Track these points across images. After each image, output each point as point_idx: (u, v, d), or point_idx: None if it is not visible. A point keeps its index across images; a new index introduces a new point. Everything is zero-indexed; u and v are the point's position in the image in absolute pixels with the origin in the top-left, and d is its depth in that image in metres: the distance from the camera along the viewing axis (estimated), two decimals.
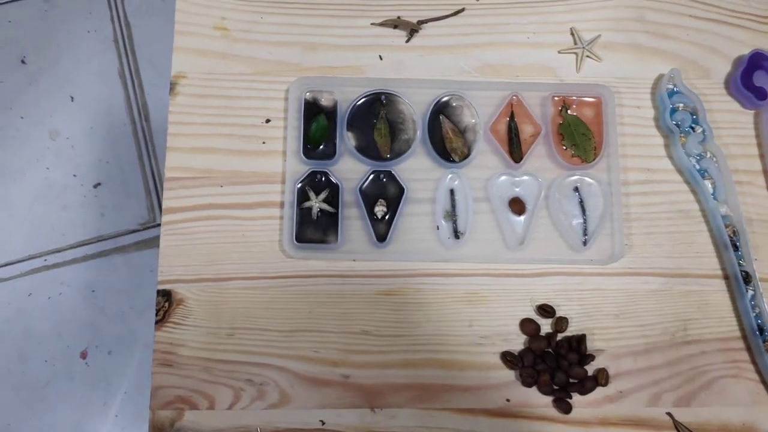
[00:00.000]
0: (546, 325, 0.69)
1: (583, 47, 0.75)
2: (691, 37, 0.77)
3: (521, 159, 0.72)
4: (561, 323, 0.68)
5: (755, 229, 0.72)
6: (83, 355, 1.29)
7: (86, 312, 1.31)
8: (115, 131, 1.39)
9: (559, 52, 0.76)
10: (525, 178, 0.71)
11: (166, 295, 0.68)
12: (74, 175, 1.36)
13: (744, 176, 0.73)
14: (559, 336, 0.68)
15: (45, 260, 1.32)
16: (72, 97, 1.41)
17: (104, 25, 1.45)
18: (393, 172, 0.70)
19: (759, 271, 0.70)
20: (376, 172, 0.70)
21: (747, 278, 0.69)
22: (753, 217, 0.72)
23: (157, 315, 0.68)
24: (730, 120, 0.75)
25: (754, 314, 0.68)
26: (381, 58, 0.75)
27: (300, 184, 0.70)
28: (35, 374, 1.28)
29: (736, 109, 0.76)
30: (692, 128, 0.73)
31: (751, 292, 0.69)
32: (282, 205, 0.70)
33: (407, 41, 0.76)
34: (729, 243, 0.70)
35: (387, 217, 0.70)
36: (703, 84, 0.76)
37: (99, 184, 1.36)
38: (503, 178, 0.72)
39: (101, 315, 1.31)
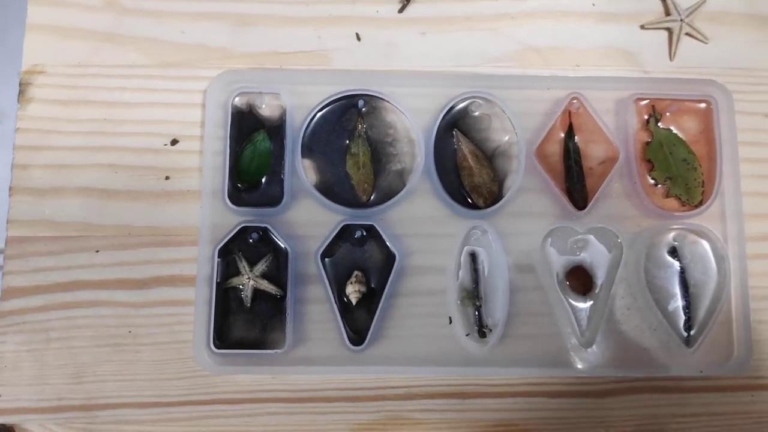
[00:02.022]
0: None
1: (681, 20, 0.48)
2: None
3: (587, 203, 0.45)
4: None
5: None
6: None
7: None
8: None
9: (642, 27, 0.48)
10: (592, 235, 0.44)
11: None
12: None
13: None
14: None
15: None
16: None
17: None
18: (377, 227, 0.43)
19: None
20: (350, 227, 0.44)
21: None
22: None
23: None
24: None
25: None
26: (358, 38, 0.47)
27: (223, 248, 0.43)
28: None
29: None
30: None
31: None
32: (195, 283, 0.44)
33: (401, 10, 0.48)
34: None
35: (366, 303, 0.43)
36: None
37: None
38: (558, 234, 0.45)
39: None
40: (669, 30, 0.48)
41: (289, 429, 0.42)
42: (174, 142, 0.45)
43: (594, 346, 0.43)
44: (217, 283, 0.42)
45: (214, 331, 0.41)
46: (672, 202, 0.45)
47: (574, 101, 0.45)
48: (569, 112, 0.45)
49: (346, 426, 0.42)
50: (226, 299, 0.42)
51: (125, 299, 0.43)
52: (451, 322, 0.43)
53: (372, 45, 0.47)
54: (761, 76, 0.48)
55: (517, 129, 0.45)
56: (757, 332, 0.44)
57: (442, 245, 0.44)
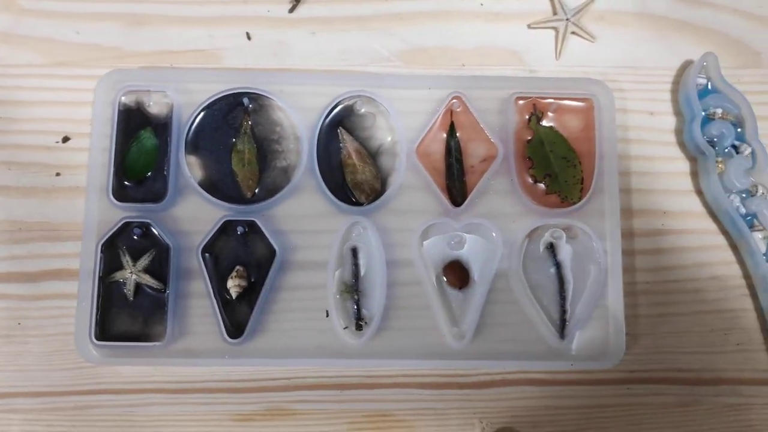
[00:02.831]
0: None
1: (567, 19, 0.49)
2: (737, 3, 0.51)
3: (465, 199, 0.46)
4: None
5: None
6: None
7: None
8: None
9: (529, 26, 0.49)
10: (469, 230, 0.45)
11: None
12: None
13: None
14: None
15: None
16: None
17: None
18: (257, 223, 0.45)
19: None
20: (231, 223, 0.44)
21: None
22: None
23: None
24: None
25: None
26: (249, 38, 0.48)
27: (107, 242, 0.44)
28: None
29: None
30: (735, 148, 0.47)
31: None
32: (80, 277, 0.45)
33: (291, 10, 0.49)
34: None
35: (247, 297, 0.44)
36: (754, 77, 0.49)
37: None
38: (437, 230, 0.46)
39: None
40: (555, 29, 0.48)
41: (171, 419, 0.44)
42: (65, 139, 0.46)
43: (469, 339, 0.44)
44: (100, 277, 0.43)
45: (96, 324, 0.43)
46: (552, 199, 0.46)
47: (455, 101, 0.46)
48: (450, 111, 0.46)
49: (227, 416, 0.44)
50: (109, 293, 0.43)
51: (15, 292, 0.44)
52: (327, 315, 0.44)
53: (262, 44, 0.48)
54: (647, 74, 0.49)
55: (400, 128, 0.46)
56: (631, 326, 0.45)
57: (323, 241, 0.45)
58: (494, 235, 0.45)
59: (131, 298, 0.43)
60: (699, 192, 0.47)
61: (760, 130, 0.47)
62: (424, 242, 0.45)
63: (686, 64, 0.48)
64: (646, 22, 0.49)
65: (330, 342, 0.44)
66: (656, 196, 0.47)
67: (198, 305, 0.44)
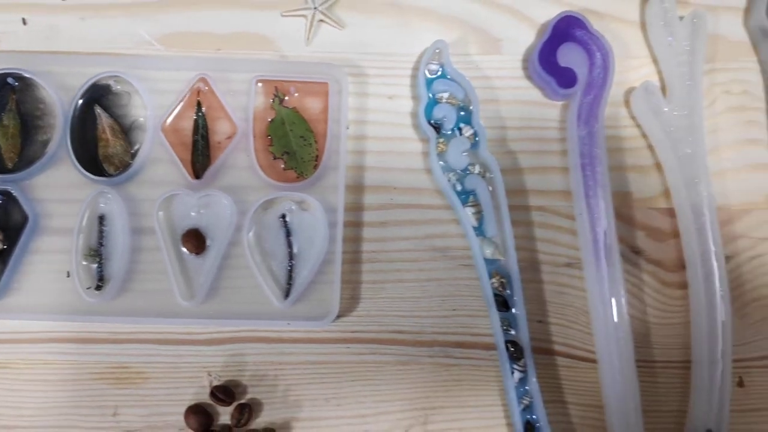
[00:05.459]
0: (226, 415, 0.49)
1: (315, 8, 0.52)
2: None
3: (204, 172, 0.50)
4: (242, 413, 0.48)
5: (544, 277, 0.50)
6: None
7: None
8: None
9: (282, 14, 0.53)
10: (208, 201, 0.49)
11: None
12: None
13: (537, 199, 0.51)
14: None
15: None
16: None
17: None
18: (12, 191, 0.49)
19: (542, 341, 0.49)
20: None
21: (516, 352, 0.48)
22: (543, 259, 0.51)
23: None
24: (528, 116, 0.52)
25: (522, 407, 0.47)
26: (24, 22, 0.52)
27: None
28: None
29: (537, 100, 0.53)
30: (460, 129, 0.51)
31: (519, 374, 0.48)
32: None
33: None
34: (492, 299, 0.48)
35: (2, 258, 0.48)
36: (492, 63, 0.52)
37: None
38: (177, 200, 0.50)
39: None
40: (305, 17, 0.52)
41: None
42: None
43: (201, 300, 0.48)
44: None
45: None
46: (290, 175, 0.50)
47: (201, 82, 0.50)
48: (198, 91, 0.50)
49: None
50: None
51: None
52: (68, 276, 0.49)
53: (37, 29, 0.52)
54: (391, 60, 0.52)
55: (151, 106, 0.50)
56: (355, 291, 0.49)
57: (73, 209, 0.49)
58: (229, 205, 0.49)
59: None
60: (428, 170, 0.51)
61: (504, 113, 0.51)
62: (164, 211, 0.49)
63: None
64: (395, 10, 0.53)
65: (74, 301, 0.48)
66: (389, 174, 0.51)
67: None
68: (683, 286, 0.50)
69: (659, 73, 0.52)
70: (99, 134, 0.50)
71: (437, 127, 0.50)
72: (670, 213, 0.50)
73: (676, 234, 0.50)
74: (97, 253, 0.49)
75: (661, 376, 0.49)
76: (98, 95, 0.51)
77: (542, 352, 0.49)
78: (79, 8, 0.52)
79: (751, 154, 0.52)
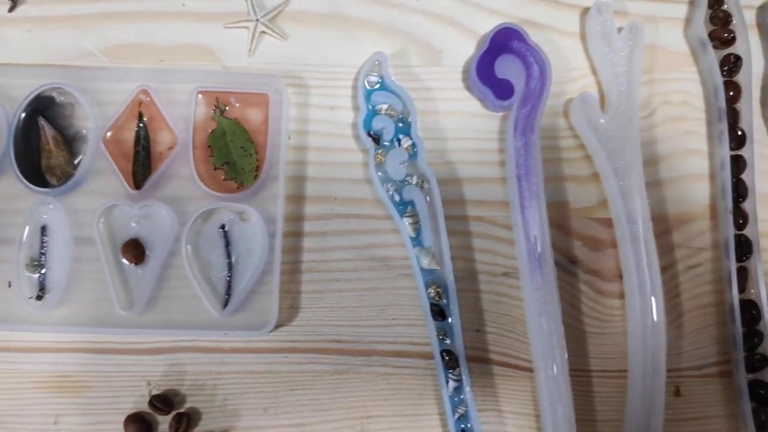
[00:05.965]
0: (165, 424, 0.49)
1: (257, 20, 0.53)
2: (422, 4, 0.54)
3: (144, 183, 0.51)
4: (180, 422, 0.48)
5: (482, 286, 0.50)
6: None
7: None
8: None
9: (225, 26, 0.54)
10: (148, 212, 0.50)
11: None
12: None
13: (476, 209, 0.52)
14: None
15: None
16: None
17: None
18: None
19: (479, 350, 0.49)
20: None
21: (451, 361, 0.48)
22: (480, 269, 0.51)
23: None
24: (468, 126, 0.53)
25: (457, 416, 0.48)
26: None
27: None
28: None
29: (477, 111, 0.53)
30: (399, 141, 0.51)
31: (454, 383, 0.48)
32: None
33: (10, 10, 0.53)
34: (428, 308, 0.49)
35: None
36: (433, 74, 0.53)
37: None
38: (117, 211, 0.50)
39: None
40: (247, 29, 0.53)
41: None
42: None
43: (140, 311, 0.48)
44: None
45: None
46: (230, 185, 0.50)
47: (143, 94, 0.51)
48: (140, 103, 0.51)
49: None
50: None
51: None
52: (10, 286, 0.49)
53: None
54: (333, 71, 0.53)
55: (93, 117, 0.51)
56: (293, 301, 0.50)
57: (15, 219, 0.50)
58: (169, 215, 0.49)
59: None
60: (369, 181, 0.51)
61: (445, 124, 0.52)
62: (104, 222, 0.50)
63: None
64: (338, 22, 0.53)
65: (16, 310, 0.49)
66: (329, 184, 0.51)
67: None
68: (621, 295, 0.50)
69: (598, 84, 0.52)
70: (42, 145, 0.51)
71: (376, 139, 0.50)
72: (608, 223, 0.51)
73: (614, 244, 0.50)
74: (38, 263, 0.49)
75: (598, 386, 0.49)
76: (42, 106, 0.51)
77: (479, 361, 0.49)
78: (25, 21, 0.53)
79: (690, 164, 0.52)
